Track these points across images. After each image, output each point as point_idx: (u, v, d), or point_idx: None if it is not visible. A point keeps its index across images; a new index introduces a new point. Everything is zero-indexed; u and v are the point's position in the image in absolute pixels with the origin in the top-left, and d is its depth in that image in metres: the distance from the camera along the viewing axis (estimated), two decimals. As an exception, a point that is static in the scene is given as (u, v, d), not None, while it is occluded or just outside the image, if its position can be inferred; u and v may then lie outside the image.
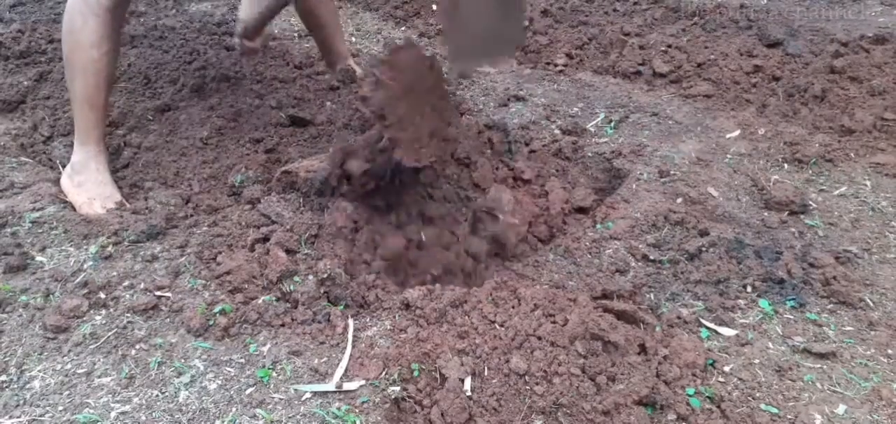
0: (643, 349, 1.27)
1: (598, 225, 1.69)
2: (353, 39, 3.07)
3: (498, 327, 1.30)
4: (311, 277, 1.44)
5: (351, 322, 1.36)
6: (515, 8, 1.25)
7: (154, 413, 1.16)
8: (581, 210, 1.85)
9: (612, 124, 2.24)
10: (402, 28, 3.32)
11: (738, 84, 2.38)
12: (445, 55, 1.23)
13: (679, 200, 1.76)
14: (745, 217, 1.69)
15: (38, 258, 1.53)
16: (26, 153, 2.05)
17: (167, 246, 1.59)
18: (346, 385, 1.20)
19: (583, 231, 1.68)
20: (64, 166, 1.89)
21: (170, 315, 1.38)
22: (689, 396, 1.19)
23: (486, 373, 1.21)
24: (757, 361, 1.28)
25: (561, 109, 2.36)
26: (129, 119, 2.19)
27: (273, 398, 1.19)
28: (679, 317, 1.39)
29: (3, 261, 1.49)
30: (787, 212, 1.70)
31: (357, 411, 1.16)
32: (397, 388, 1.19)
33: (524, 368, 1.20)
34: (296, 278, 1.44)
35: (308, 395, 1.20)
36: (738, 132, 2.10)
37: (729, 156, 1.97)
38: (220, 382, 1.22)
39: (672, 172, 1.87)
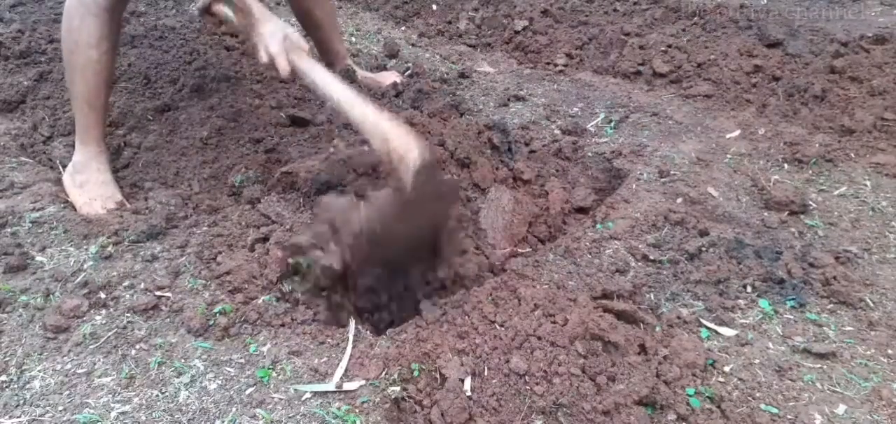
0: (643, 349, 1.28)
1: (598, 225, 1.69)
2: (353, 39, 3.07)
3: (498, 327, 1.30)
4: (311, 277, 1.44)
5: (351, 322, 1.36)
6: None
7: (154, 413, 1.16)
8: (581, 210, 1.85)
9: (612, 124, 2.24)
10: (402, 28, 3.32)
11: (738, 84, 2.38)
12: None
13: (679, 200, 1.76)
14: (745, 217, 1.69)
15: (38, 258, 1.53)
16: (26, 153, 2.05)
17: (167, 246, 1.59)
18: (346, 385, 1.20)
19: (583, 231, 1.68)
20: (64, 166, 1.89)
21: (170, 315, 1.38)
22: (689, 396, 1.19)
23: (486, 373, 1.21)
24: (757, 361, 1.28)
25: (561, 109, 2.36)
26: (129, 119, 2.19)
27: (273, 398, 1.19)
28: (679, 317, 1.39)
29: (3, 261, 1.49)
30: (787, 212, 1.70)
31: (357, 411, 1.16)
32: (397, 388, 1.19)
33: (524, 368, 1.20)
34: (297, 277, 1.44)
35: (308, 395, 1.20)
36: (738, 132, 2.10)
37: (729, 156, 1.97)
38: (220, 382, 1.22)
39: (672, 172, 1.87)
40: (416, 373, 1.22)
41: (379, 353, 1.27)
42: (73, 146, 1.86)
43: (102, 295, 1.42)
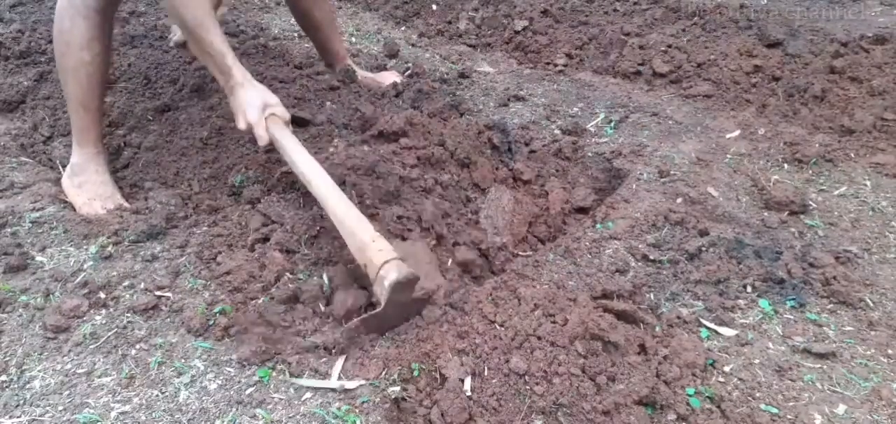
0: (643, 349, 1.28)
1: (598, 225, 1.69)
2: (353, 39, 3.07)
3: (498, 327, 1.30)
4: (311, 277, 1.44)
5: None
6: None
7: (154, 413, 1.16)
8: (581, 210, 1.85)
9: (612, 124, 2.24)
10: (402, 28, 3.32)
11: (738, 84, 2.38)
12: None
13: (679, 200, 1.76)
14: (745, 217, 1.69)
15: (38, 258, 1.53)
16: (26, 153, 2.05)
17: (167, 246, 1.59)
18: (347, 385, 1.20)
19: (583, 231, 1.68)
20: (64, 166, 1.89)
21: (170, 315, 1.38)
22: (689, 396, 1.19)
23: (486, 373, 1.21)
24: (757, 361, 1.28)
25: (561, 109, 2.36)
26: (129, 119, 2.19)
27: (273, 398, 1.19)
28: (679, 317, 1.39)
29: (3, 261, 1.49)
30: (787, 212, 1.70)
31: (357, 411, 1.15)
32: (397, 388, 1.19)
33: (524, 368, 1.20)
34: (297, 276, 1.44)
35: (308, 395, 1.20)
36: (738, 132, 2.10)
37: (729, 156, 1.97)
38: (220, 382, 1.22)
39: (672, 172, 1.87)
40: (416, 373, 1.22)
41: (379, 353, 1.27)
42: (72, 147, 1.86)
43: (102, 295, 1.42)
